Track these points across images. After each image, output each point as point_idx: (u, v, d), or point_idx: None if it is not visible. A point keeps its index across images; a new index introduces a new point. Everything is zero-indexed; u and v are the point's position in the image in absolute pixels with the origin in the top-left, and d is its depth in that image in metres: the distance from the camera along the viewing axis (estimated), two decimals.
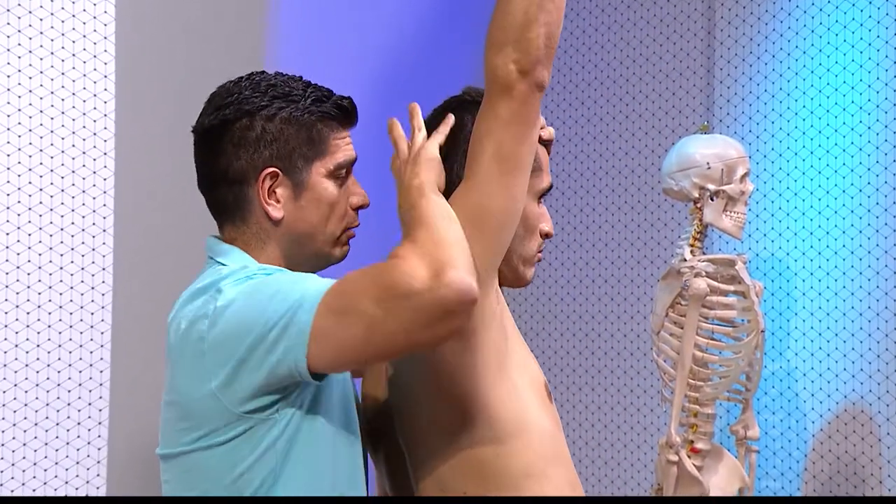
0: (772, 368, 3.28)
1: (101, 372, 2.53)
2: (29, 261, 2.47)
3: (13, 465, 2.43)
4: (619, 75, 3.71)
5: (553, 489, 1.67)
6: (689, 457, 2.81)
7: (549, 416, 1.70)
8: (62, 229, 2.50)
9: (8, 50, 2.46)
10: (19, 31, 2.48)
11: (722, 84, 3.44)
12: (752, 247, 3.35)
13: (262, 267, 1.60)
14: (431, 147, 1.66)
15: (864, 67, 3.16)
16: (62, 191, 2.51)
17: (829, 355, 3.17)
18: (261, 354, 1.49)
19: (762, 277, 3.29)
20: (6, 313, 2.45)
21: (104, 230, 2.54)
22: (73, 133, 2.52)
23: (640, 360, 3.61)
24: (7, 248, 2.45)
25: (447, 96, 1.79)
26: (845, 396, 3.13)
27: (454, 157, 1.69)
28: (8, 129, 2.46)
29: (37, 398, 2.46)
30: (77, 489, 2.50)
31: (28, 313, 2.46)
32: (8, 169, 2.46)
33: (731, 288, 2.81)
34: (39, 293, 2.48)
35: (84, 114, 2.53)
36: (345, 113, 1.68)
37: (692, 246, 2.84)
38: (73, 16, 2.53)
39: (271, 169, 1.62)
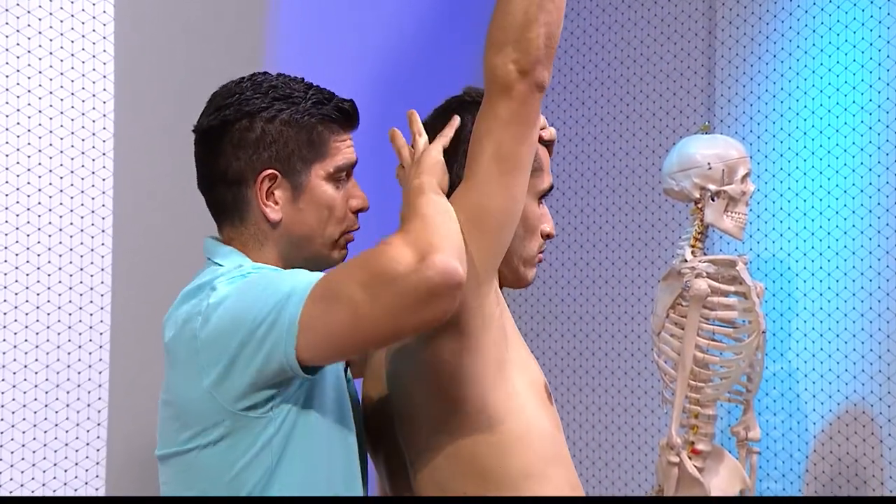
0: (773, 369, 3.27)
1: (100, 373, 2.52)
2: (28, 261, 2.47)
3: (12, 465, 2.43)
4: (619, 75, 3.70)
5: (553, 490, 1.66)
6: (689, 458, 2.80)
7: (549, 417, 1.70)
8: (61, 230, 2.50)
9: (7, 50, 2.46)
10: (18, 31, 2.47)
11: (723, 84, 3.43)
12: (754, 247, 3.34)
13: (257, 266, 1.60)
14: (434, 151, 1.66)
15: (865, 67, 3.15)
16: (61, 191, 2.50)
17: (830, 356, 3.17)
18: (251, 350, 1.49)
19: (763, 278, 3.29)
20: (5, 314, 2.44)
21: (103, 230, 2.54)
22: (72, 133, 2.52)
23: (640, 361, 3.61)
24: (6, 248, 2.45)
25: (447, 96, 1.78)
26: (846, 397, 3.12)
27: (454, 157, 1.68)
28: (7, 129, 2.46)
29: (35, 399, 2.46)
30: (76, 490, 2.49)
31: (27, 314, 2.46)
32: (7, 169, 2.45)
33: (732, 289, 2.80)
34: (38, 294, 2.47)
35: (83, 114, 2.53)
36: (346, 116, 1.67)
37: (693, 246, 2.83)
38: (72, 16, 2.52)
39: (270, 171, 1.62)
